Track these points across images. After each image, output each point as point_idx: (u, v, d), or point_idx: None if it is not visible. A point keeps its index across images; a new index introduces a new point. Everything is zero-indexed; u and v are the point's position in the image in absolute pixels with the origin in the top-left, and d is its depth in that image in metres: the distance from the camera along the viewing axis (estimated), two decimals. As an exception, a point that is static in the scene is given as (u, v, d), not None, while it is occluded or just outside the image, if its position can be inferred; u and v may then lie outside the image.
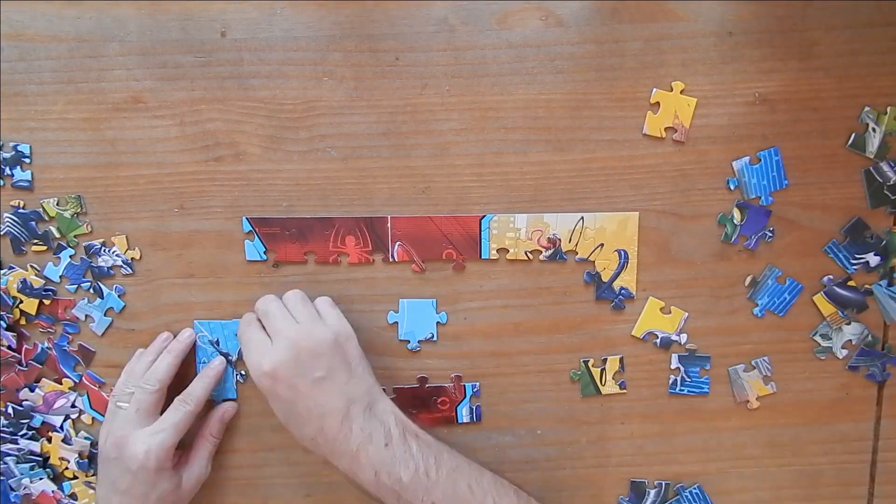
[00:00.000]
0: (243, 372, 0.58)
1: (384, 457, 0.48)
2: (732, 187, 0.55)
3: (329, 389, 0.49)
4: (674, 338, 0.58)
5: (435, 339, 0.58)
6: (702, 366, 0.58)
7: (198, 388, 0.55)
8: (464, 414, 0.59)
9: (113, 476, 0.52)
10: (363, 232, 0.56)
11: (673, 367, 0.58)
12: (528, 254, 0.57)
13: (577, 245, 0.57)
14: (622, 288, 0.57)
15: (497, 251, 0.57)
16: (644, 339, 0.58)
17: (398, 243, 0.56)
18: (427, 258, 0.57)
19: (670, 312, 0.57)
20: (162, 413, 0.54)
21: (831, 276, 0.57)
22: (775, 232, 0.56)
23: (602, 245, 0.56)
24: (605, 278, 0.57)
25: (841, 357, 0.58)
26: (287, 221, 0.56)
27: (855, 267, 0.57)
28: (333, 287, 0.57)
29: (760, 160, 0.55)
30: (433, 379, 0.59)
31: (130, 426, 0.52)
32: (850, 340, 0.58)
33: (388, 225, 0.56)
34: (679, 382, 0.58)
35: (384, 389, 0.56)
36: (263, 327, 0.53)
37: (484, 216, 0.56)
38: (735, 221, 0.56)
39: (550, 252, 0.57)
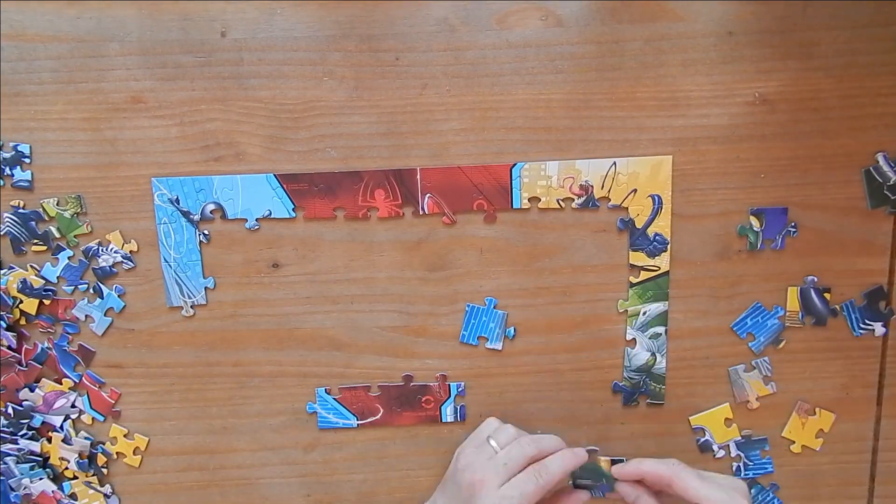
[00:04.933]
0: (206, 232, 0.56)
1: None
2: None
3: None
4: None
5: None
6: (761, 447, 0.59)
7: (555, 466, 0.51)
8: (448, 413, 0.59)
9: None
10: (392, 185, 0.56)
11: (733, 454, 0.58)
12: (560, 202, 0.56)
13: (609, 191, 0.56)
14: (657, 234, 0.56)
15: (528, 200, 0.56)
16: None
17: (428, 195, 0.56)
18: (458, 210, 0.56)
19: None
20: None
21: (816, 278, 0.57)
22: (796, 226, 0.56)
23: (635, 190, 0.55)
24: (640, 224, 0.56)
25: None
26: (315, 177, 0.56)
27: (862, 331, 0.57)
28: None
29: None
30: (419, 378, 0.59)
31: (492, 475, 0.50)
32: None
33: (418, 177, 0.56)
34: (742, 468, 0.59)
35: (369, 386, 0.56)
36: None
37: (514, 164, 0.55)
38: (756, 228, 0.56)
39: (583, 199, 0.56)
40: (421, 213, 0.56)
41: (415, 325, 0.58)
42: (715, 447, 0.59)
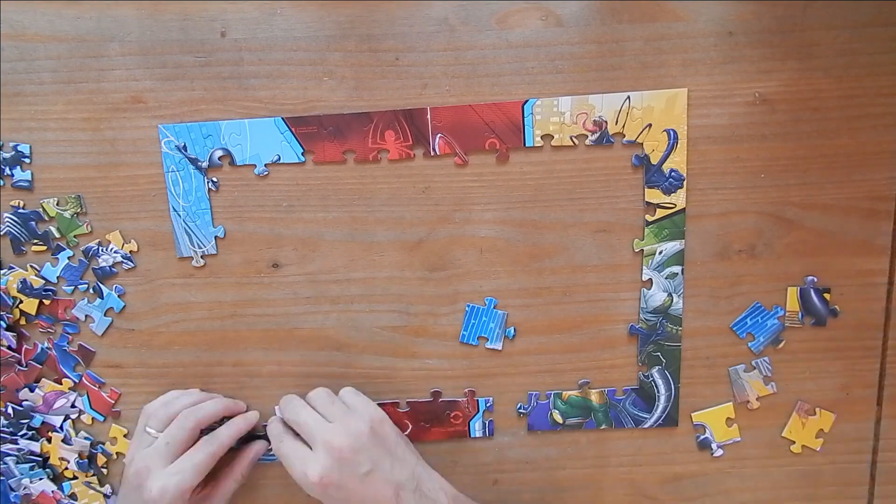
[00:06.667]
0: (214, 179, 0.56)
1: None
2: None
3: (376, 481, 0.49)
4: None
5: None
6: None
7: (224, 434, 0.54)
8: (476, 428, 0.59)
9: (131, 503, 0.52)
10: (403, 125, 0.55)
11: None
12: (574, 139, 0.55)
13: (623, 127, 0.55)
14: (672, 170, 0.55)
15: (542, 138, 0.55)
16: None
17: (439, 135, 0.55)
18: (469, 149, 0.55)
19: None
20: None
21: (815, 278, 0.57)
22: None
23: (650, 125, 0.54)
24: (655, 161, 0.55)
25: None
26: (324, 119, 0.55)
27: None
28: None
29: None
30: (447, 392, 0.59)
31: (156, 458, 0.51)
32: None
33: (429, 116, 0.55)
34: None
35: (398, 402, 0.56)
36: (296, 433, 0.53)
37: (526, 101, 0.54)
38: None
39: (597, 135, 0.55)
40: (432, 153, 0.55)
41: (415, 325, 0.58)
42: (714, 445, 0.59)
